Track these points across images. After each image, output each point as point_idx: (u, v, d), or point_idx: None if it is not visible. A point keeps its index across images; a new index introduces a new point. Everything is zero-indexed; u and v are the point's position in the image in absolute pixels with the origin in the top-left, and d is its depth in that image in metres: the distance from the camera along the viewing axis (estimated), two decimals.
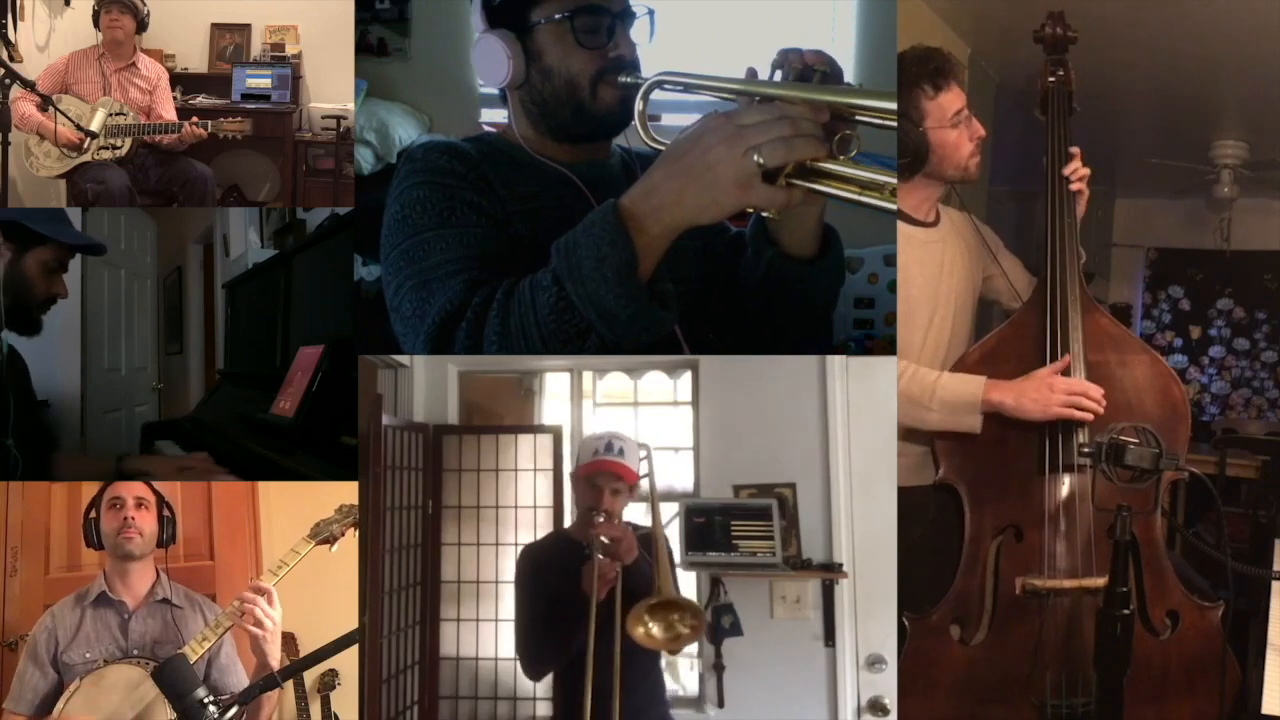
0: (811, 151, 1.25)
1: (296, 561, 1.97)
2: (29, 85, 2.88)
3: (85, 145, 3.11)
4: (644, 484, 1.95)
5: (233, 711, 1.85)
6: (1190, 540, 2.40)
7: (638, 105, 1.50)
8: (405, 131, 3.17)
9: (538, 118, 1.62)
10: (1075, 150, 2.18)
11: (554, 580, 1.88)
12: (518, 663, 2.00)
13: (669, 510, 2.40)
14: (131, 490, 2.14)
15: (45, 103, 2.99)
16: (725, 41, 2.94)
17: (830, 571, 2.41)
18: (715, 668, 2.45)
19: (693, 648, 2.48)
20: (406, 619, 2.42)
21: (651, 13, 1.61)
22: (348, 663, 2.24)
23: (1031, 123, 2.26)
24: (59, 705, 1.97)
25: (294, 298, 2.96)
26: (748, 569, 2.37)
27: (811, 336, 1.68)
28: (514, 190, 1.56)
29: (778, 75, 1.36)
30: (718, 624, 2.42)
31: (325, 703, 2.43)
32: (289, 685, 2.31)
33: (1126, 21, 2.78)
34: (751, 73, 1.36)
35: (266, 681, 1.85)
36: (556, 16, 1.55)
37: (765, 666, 2.44)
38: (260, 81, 3.61)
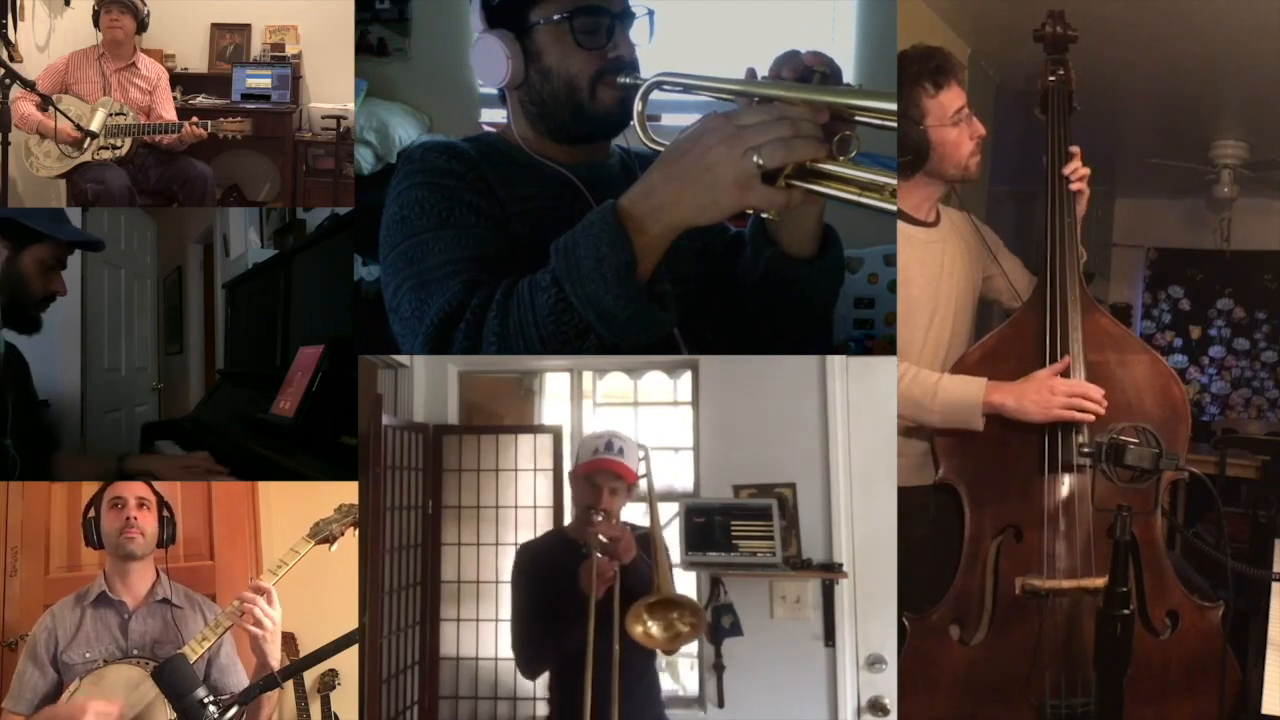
0: (811, 152, 1.24)
1: (296, 561, 1.97)
2: (29, 85, 2.88)
3: (85, 145, 3.11)
4: (642, 484, 1.95)
5: (233, 711, 1.85)
6: (1190, 540, 2.40)
7: (636, 106, 1.50)
8: (405, 131, 3.17)
9: (536, 118, 1.62)
10: (1075, 150, 2.18)
11: (551, 579, 1.88)
12: (505, 659, 2.00)
13: (669, 510, 2.40)
14: (133, 490, 2.14)
15: (45, 102, 2.99)
16: (725, 41, 2.94)
17: (830, 571, 2.41)
18: (715, 668, 2.45)
19: (693, 647, 2.48)
20: (406, 619, 2.42)
21: (651, 13, 1.61)
22: (348, 663, 2.24)
23: (1031, 122, 2.26)
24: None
25: (294, 298, 2.96)
26: (748, 569, 2.37)
27: (811, 337, 1.68)
28: (513, 190, 1.56)
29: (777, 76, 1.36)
30: (718, 624, 2.42)
31: (325, 703, 2.43)
32: (289, 685, 2.31)
33: (1126, 21, 2.78)
34: (751, 73, 1.36)
35: (266, 681, 1.85)
36: (555, 17, 1.54)
37: (765, 666, 2.44)
38: (260, 81, 3.61)
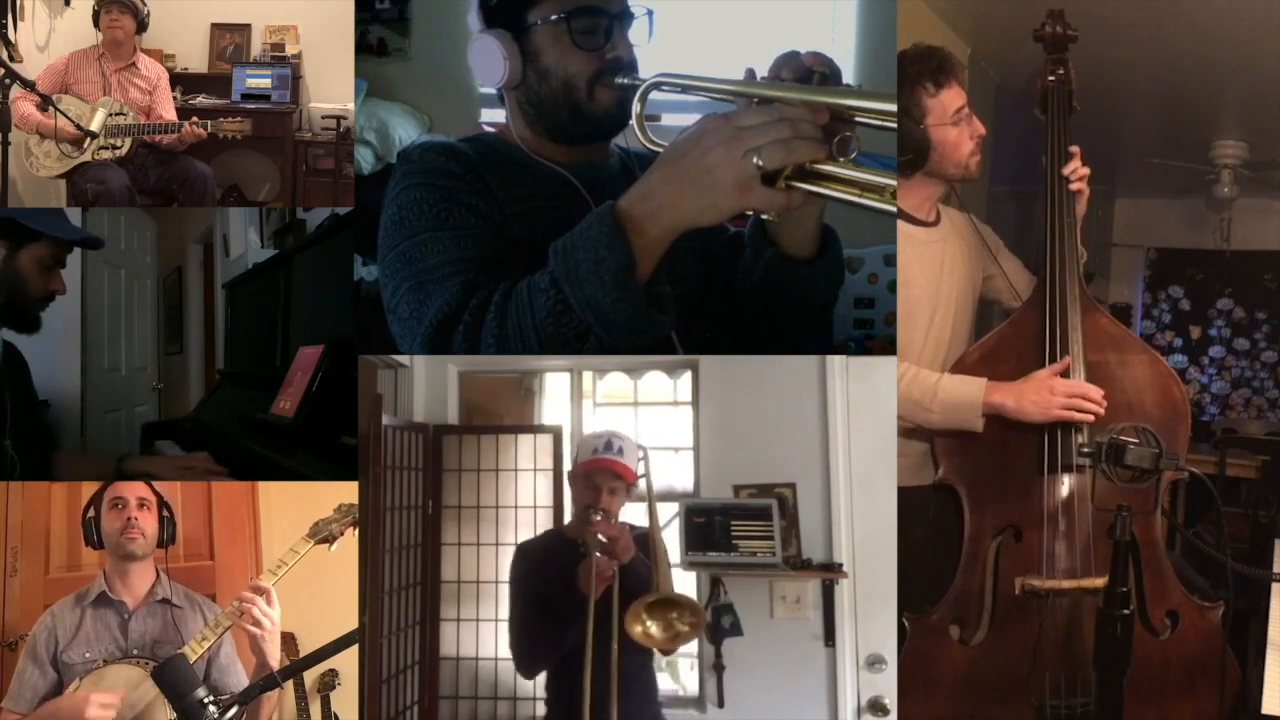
0: (811, 153, 1.24)
1: (295, 561, 1.97)
2: (29, 85, 2.88)
3: (85, 145, 3.11)
4: (641, 484, 1.95)
5: (233, 711, 1.85)
6: (1190, 540, 2.40)
7: (635, 107, 1.49)
8: (405, 131, 3.17)
9: (535, 118, 1.61)
10: (1075, 150, 2.18)
11: (549, 578, 1.88)
12: (505, 659, 2.01)
13: (669, 510, 2.40)
14: (133, 490, 2.14)
15: (45, 102, 2.99)
16: (724, 42, 2.94)
17: (830, 571, 2.41)
18: (715, 668, 2.45)
19: (692, 647, 2.48)
20: (406, 619, 2.42)
21: (650, 13, 1.60)
22: (348, 663, 2.24)
23: (1032, 122, 2.26)
24: None
25: (294, 298, 2.96)
26: (748, 569, 2.37)
27: (810, 337, 1.68)
28: (512, 191, 1.56)
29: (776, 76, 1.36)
30: (718, 624, 2.42)
31: (325, 703, 2.43)
32: (289, 685, 2.31)
33: (1126, 21, 2.78)
34: (750, 74, 1.35)
35: (266, 681, 1.85)
36: (553, 18, 1.54)
37: (765, 666, 2.44)
38: (260, 81, 3.61)
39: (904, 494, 2.21)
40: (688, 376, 2.62)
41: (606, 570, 1.75)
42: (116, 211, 3.70)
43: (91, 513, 2.15)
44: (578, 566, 1.78)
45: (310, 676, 2.41)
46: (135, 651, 2.07)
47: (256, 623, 1.88)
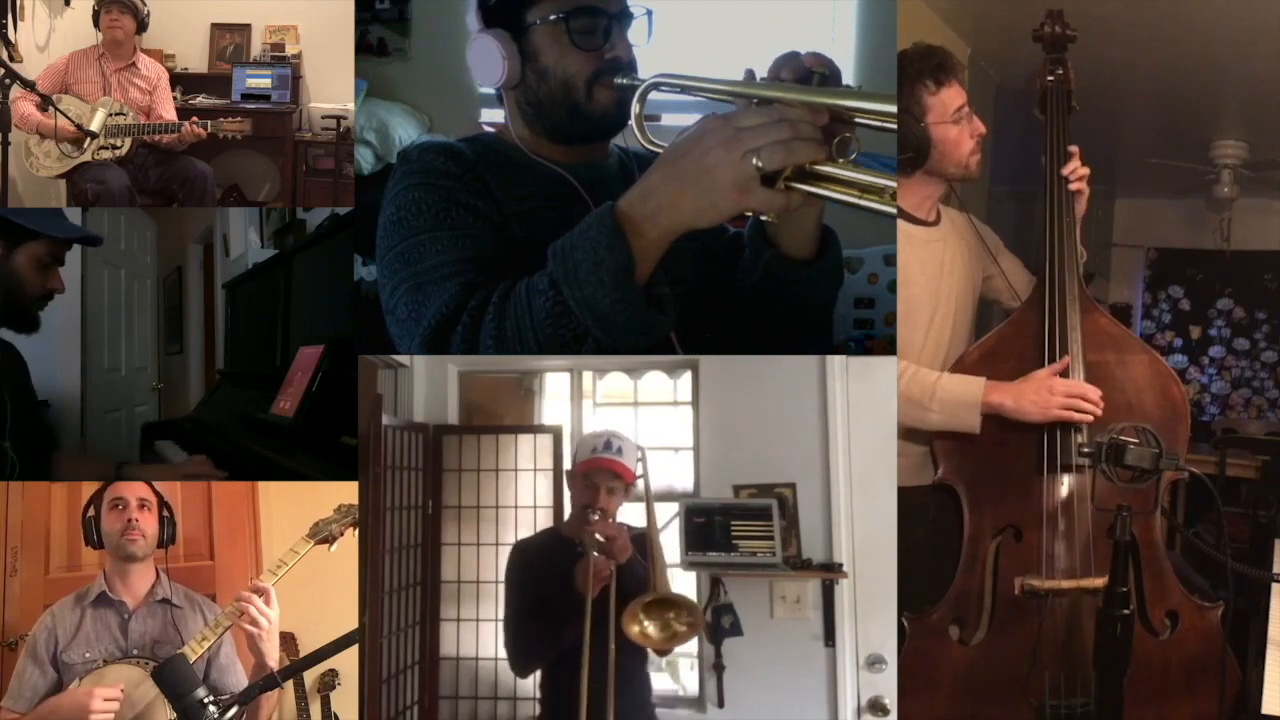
0: (810, 154, 1.24)
1: (295, 561, 1.97)
2: (29, 85, 2.88)
3: (85, 145, 3.11)
4: (639, 484, 1.95)
5: (232, 711, 1.85)
6: (1190, 540, 2.40)
7: (634, 108, 1.49)
8: (405, 131, 3.17)
9: (533, 118, 1.61)
10: (1074, 149, 2.18)
11: (545, 576, 1.88)
12: (505, 659, 2.00)
13: (669, 510, 2.40)
14: (134, 491, 2.14)
15: (45, 102, 2.99)
16: (724, 42, 2.94)
17: (830, 571, 2.41)
18: (715, 668, 2.45)
19: (692, 647, 2.48)
20: (406, 619, 2.42)
21: (649, 13, 1.60)
22: (348, 663, 2.24)
23: (1031, 123, 2.26)
24: None
25: (294, 298, 2.96)
26: (748, 569, 2.37)
27: (809, 338, 1.68)
28: (510, 191, 1.56)
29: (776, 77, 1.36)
30: (718, 624, 2.42)
31: (325, 703, 2.43)
32: (289, 685, 2.31)
33: (1126, 21, 2.78)
34: (750, 74, 1.35)
35: (266, 681, 1.85)
36: (552, 18, 1.54)
37: (765, 666, 2.44)
38: (260, 81, 3.61)
39: (904, 494, 2.21)
40: (688, 376, 2.62)
41: (604, 570, 1.75)
42: (116, 211, 3.70)
43: (91, 512, 2.15)
44: (575, 566, 1.78)
45: (310, 676, 2.41)
46: (135, 651, 2.07)
47: (253, 621, 1.88)
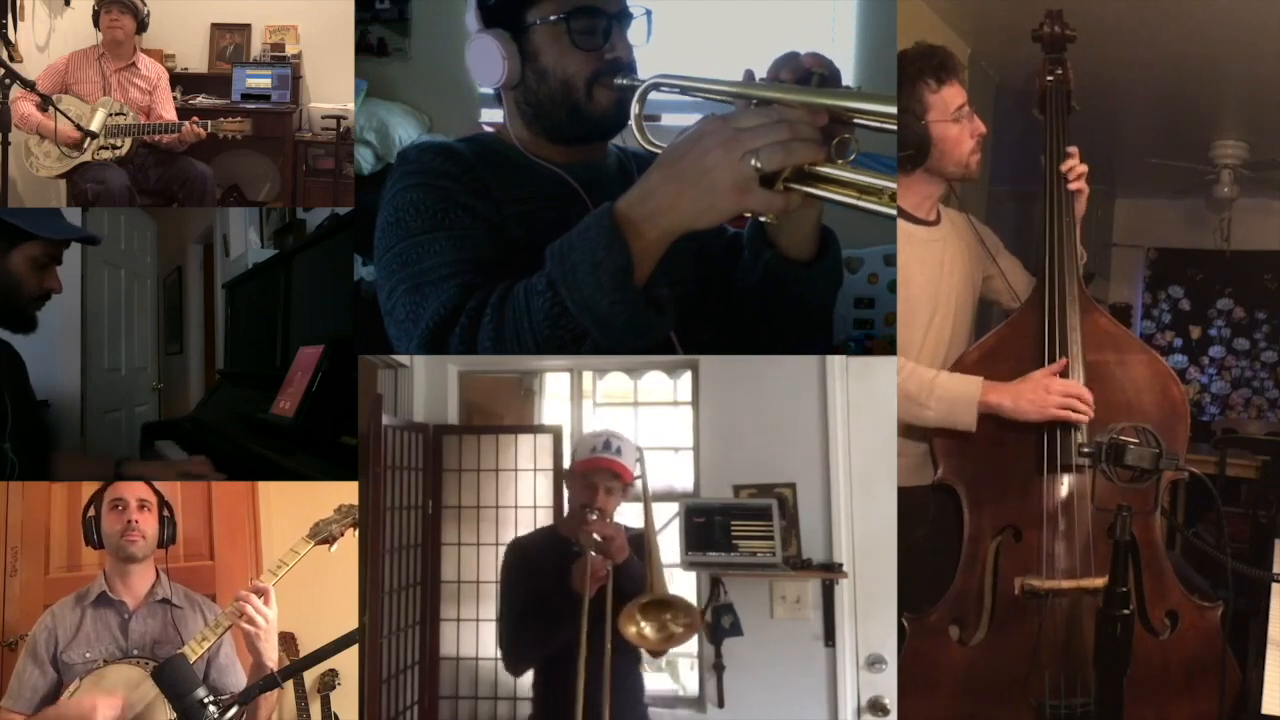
0: (810, 155, 1.24)
1: (295, 561, 1.98)
2: (29, 85, 2.88)
3: (85, 145, 3.11)
4: (637, 485, 1.95)
5: (232, 711, 1.85)
6: (1190, 540, 2.40)
7: (633, 108, 1.49)
8: (405, 131, 3.18)
9: (533, 119, 1.61)
10: (1073, 149, 2.18)
11: (542, 575, 1.88)
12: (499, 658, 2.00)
13: (669, 510, 2.40)
14: (134, 491, 2.14)
15: (45, 103, 2.99)
16: (724, 42, 2.94)
17: (830, 571, 2.41)
18: (715, 668, 2.45)
19: (692, 647, 2.48)
20: (406, 619, 2.42)
21: (649, 14, 1.60)
22: (348, 663, 2.24)
23: (1031, 123, 2.26)
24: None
25: (294, 298, 2.96)
26: (748, 569, 2.37)
27: (809, 338, 1.68)
28: (509, 192, 1.55)
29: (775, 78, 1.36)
30: (718, 624, 2.42)
31: (325, 703, 2.43)
32: (289, 685, 2.31)
33: (1126, 21, 2.78)
34: (749, 75, 1.35)
35: (266, 681, 1.85)
36: (552, 18, 1.54)
37: (765, 666, 2.44)
38: (260, 81, 3.61)
39: (904, 494, 2.21)
40: (688, 376, 2.62)
41: (601, 570, 1.75)
42: (116, 211, 3.70)
43: (91, 512, 2.15)
44: (572, 565, 1.78)
45: (310, 676, 2.41)
46: (135, 651, 2.07)
47: (251, 621, 1.88)
